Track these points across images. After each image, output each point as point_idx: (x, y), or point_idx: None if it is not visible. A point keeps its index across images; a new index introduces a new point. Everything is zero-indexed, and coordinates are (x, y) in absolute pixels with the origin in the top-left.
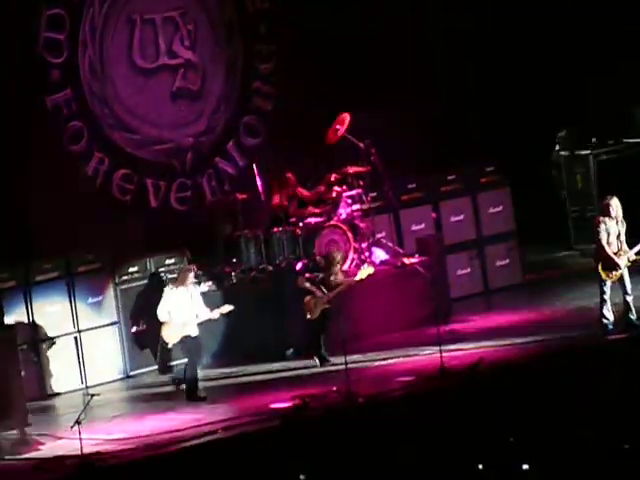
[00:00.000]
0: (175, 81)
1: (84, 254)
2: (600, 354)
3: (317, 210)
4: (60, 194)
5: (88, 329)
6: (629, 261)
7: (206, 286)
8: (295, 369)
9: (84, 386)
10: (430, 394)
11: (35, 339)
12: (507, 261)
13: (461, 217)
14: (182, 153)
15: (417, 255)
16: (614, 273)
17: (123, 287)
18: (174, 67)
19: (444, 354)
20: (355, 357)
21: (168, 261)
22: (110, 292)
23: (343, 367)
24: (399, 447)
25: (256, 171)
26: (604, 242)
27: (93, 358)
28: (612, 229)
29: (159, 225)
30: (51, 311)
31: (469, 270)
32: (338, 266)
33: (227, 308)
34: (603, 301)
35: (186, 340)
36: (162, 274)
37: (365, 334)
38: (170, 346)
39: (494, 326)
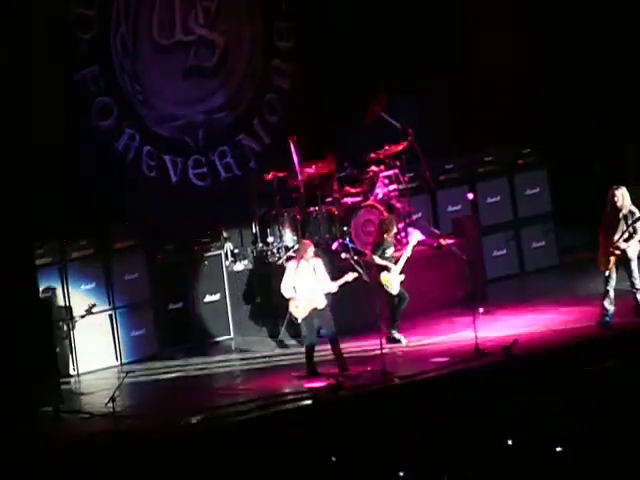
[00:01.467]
0: (188, 58)
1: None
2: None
3: (354, 190)
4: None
5: (123, 306)
6: (614, 254)
7: (242, 265)
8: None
9: (119, 363)
10: (465, 374)
11: (70, 316)
12: (543, 243)
13: (498, 198)
14: (194, 130)
15: (453, 236)
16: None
17: (160, 264)
18: (187, 44)
19: (479, 335)
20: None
21: (204, 239)
22: (145, 269)
23: (378, 348)
24: (433, 428)
25: (293, 149)
26: (601, 231)
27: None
28: (614, 219)
29: (195, 203)
30: (86, 289)
31: (505, 252)
32: (392, 233)
33: (351, 275)
34: (605, 292)
35: (314, 313)
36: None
37: (401, 314)
38: (300, 321)
39: (529, 308)
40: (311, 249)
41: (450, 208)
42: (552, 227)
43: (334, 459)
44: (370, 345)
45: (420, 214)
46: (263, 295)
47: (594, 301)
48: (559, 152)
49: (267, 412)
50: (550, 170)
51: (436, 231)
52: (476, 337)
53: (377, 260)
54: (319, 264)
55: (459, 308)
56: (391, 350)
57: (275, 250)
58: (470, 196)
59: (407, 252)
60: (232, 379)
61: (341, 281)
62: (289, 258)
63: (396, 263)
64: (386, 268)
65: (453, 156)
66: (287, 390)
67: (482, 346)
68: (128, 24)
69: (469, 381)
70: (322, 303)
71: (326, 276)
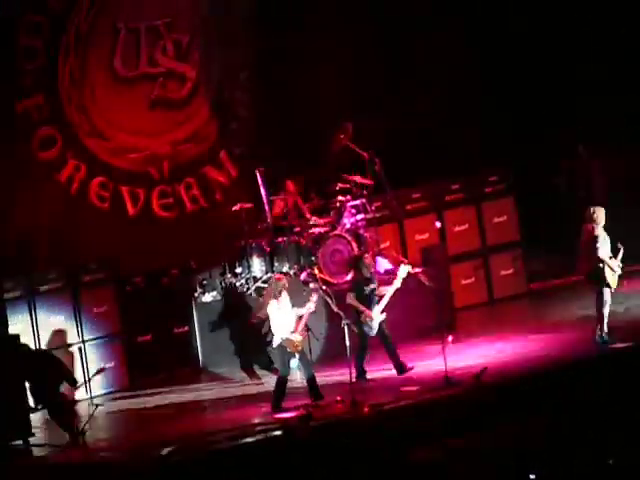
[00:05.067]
0: (154, 90)
1: (87, 264)
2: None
3: (321, 220)
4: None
5: (92, 339)
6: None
7: (210, 296)
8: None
9: (89, 396)
10: (434, 403)
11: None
12: (512, 270)
13: (465, 226)
14: (158, 161)
15: (422, 265)
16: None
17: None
18: (154, 76)
19: (448, 364)
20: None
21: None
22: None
23: (347, 377)
24: (403, 456)
25: (259, 180)
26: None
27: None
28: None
29: (161, 234)
30: (55, 322)
31: (473, 279)
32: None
33: (314, 299)
34: (604, 312)
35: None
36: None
37: (369, 344)
38: (298, 355)
39: (498, 336)
40: (284, 282)
41: (418, 237)
42: (520, 254)
43: None
44: (339, 374)
45: (388, 243)
46: (232, 326)
47: (563, 328)
48: (525, 180)
49: (237, 443)
50: (517, 198)
51: (404, 260)
52: (445, 366)
53: (351, 301)
54: (287, 297)
55: (428, 337)
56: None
57: (244, 281)
58: (438, 224)
59: (395, 286)
60: (201, 410)
61: (311, 302)
62: (258, 289)
63: (379, 301)
64: (358, 310)
65: (420, 185)
66: (256, 421)
67: (451, 375)
68: (78, 54)
69: (438, 410)
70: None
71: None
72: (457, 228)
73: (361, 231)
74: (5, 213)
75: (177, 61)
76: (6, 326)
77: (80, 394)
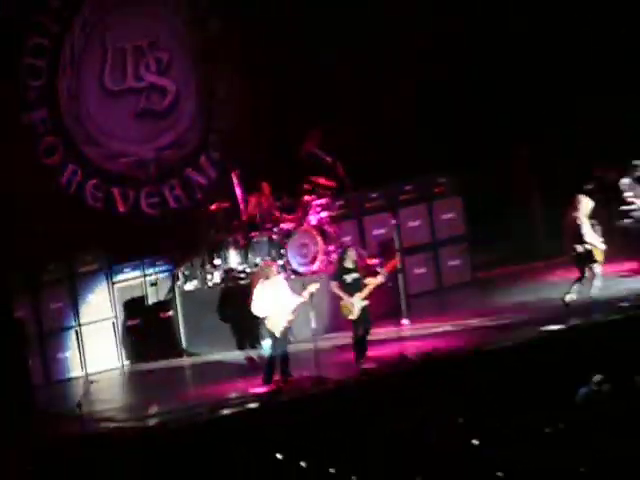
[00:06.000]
0: (139, 103)
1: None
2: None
3: (290, 217)
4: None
5: (88, 323)
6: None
7: (191, 285)
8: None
9: (84, 373)
10: (392, 379)
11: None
12: (458, 262)
13: (417, 223)
14: (145, 165)
15: (379, 256)
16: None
17: (119, 286)
18: (139, 89)
19: (402, 344)
20: (326, 345)
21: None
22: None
23: (314, 356)
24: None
25: (235, 181)
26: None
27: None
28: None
29: (148, 229)
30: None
31: (425, 270)
32: (352, 260)
33: (314, 286)
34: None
35: (287, 326)
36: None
37: (335, 327)
38: (278, 335)
39: (447, 319)
40: (274, 268)
41: (376, 232)
42: (466, 247)
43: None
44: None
45: (349, 237)
46: (211, 312)
47: (505, 311)
48: (473, 180)
49: (217, 414)
50: (464, 197)
51: (363, 252)
52: (399, 347)
53: (334, 289)
54: (282, 280)
55: (386, 320)
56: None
57: (221, 271)
58: (393, 221)
59: (380, 277)
60: (182, 387)
61: (307, 292)
62: (236, 278)
63: (360, 289)
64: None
65: (377, 186)
66: (234, 395)
67: (405, 353)
68: (73, 71)
69: (395, 383)
70: (292, 315)
71: (289, 291)
72: (410, 224)
73: (325, 227)
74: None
75: (159, 76)
76: (12, 311)
77: (76, 372)
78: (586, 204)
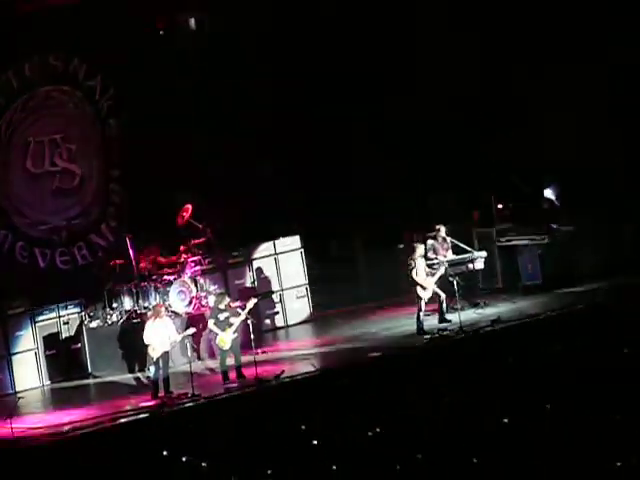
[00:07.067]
0: (54, 183)
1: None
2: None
3: (170, 270)
4: None
5: (16, 353)
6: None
7: (95, 323)
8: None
9: (13, 392)
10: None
11: None
12: (300, 303)
13: (269, 273)
14: (59, 231)
15: (239, 301)
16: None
17: (40, 324)
18: (54, 173)
19: (258, 367)
20: (200, 369)
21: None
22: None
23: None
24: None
25: (129, 244)
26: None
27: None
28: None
29: (62, 280)
30: None
31: (276, 310)
32: (224, 303)
33: (190, 331)
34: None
35: (163, 355)
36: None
37: (210, 354)
38: (154, 359)
39: (292, 348)
40: (163, 310)
41: (237, 282)
42: (306, 291)
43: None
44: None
45: (217, 286)
46: (111, 343)
47: (339, 342)
48: (315, 237)
49: (115, 423)
50: (305, 251)
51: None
52: (256, 369)
53: (211, 326)
54: (169, 321)
55: (246, 349)
56: (200, 375)
57: (118, 313)
58: (250, 273)
59: (243, 315)
60: (89, 401)
61: (184, 334)
62: (129, 318)
63: (230, 325)
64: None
65: (238, 245)
66: (129, 407)
67: (260, 374)
68: (2, 160)
69: (250, 402)
70: (168, 347)
71: (174, 329)
72: (263, 275)
73: (198, 278)
74: None
75: (69, 162)
76: None
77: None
78: (419, 250)
